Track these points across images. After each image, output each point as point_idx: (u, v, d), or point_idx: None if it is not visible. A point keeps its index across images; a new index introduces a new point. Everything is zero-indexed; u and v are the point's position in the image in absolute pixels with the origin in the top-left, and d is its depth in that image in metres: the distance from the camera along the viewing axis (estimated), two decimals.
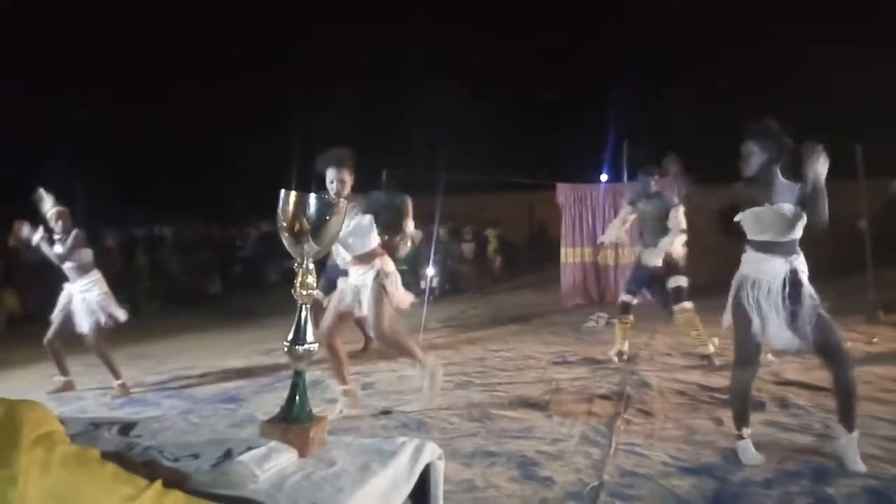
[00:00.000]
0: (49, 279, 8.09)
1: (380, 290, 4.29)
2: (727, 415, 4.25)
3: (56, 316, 5.66)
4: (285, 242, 1.44)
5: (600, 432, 4.04)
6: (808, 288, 3.39)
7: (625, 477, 3.31)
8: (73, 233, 5.58)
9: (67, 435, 1.48)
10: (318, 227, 1.41)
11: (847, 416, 3.38)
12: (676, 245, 5.88)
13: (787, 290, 3.37)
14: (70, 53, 15.92)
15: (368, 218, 4.33)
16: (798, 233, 3.43)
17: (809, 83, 14.14)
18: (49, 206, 5.63)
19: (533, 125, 20.46)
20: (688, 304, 5.90)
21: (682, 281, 5.95)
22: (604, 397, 4.87)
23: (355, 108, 16.86)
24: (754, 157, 3.43)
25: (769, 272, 3.42)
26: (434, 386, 4.58)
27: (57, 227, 5.60)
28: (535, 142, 19.39)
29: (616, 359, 6.06)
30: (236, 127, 18.11)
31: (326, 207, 1.42)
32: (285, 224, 1.41)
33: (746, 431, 3.55)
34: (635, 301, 6.13)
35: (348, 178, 4.19)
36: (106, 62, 16.76)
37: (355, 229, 4.28)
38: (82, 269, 5.62)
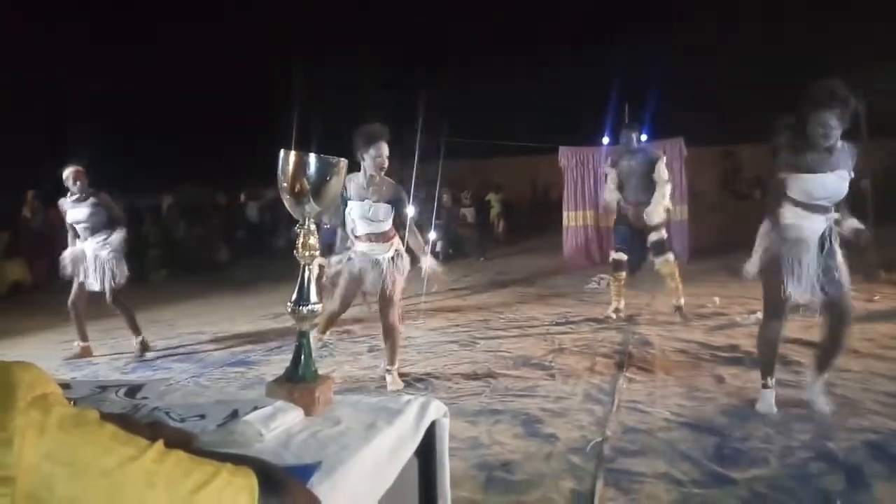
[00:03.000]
0: (57, 248, 8.13)
1: (395, 277, 4.25)
2: (728, 372, 4.32)
3: (76, 277, 5.68)
4: (286, 203, 1.44)
5: (603, 390, 4.08)
6: (838, 242, 3.42)
7: (627, 433, 3.35)
8: (100, 195, 5.66)
9: (74, 398, 1.50)
10: (319, 187, 1.40)
11: (826, 365, 3.54)
12: (667, 198, 5.97)
13: (826, 245, 3.38)
14: (72, 23, 15.70)
15: (385, 208, 4.22)
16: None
17: (811, 40, 13.90)
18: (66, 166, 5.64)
19: (535, 88, 20.22)
20: (670, 256, 6.10)
21: (662, 233, 6.09)
22: (606, 356, 4.91)
23: (357, 72, 16.67)
24: (834, 129, 3.29)
25: (810, 229, 3.41)
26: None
27: (75, 187, 5.59)
28: (537, 105, 19.18)
29: (613, 315, 6.16)
30: (241, 94, 17.94)
31: (327, 167, 1.41)
32: (286, 185, 1.41)
33: (771, 381, 3.64)
34: (626, 258, 6.21)
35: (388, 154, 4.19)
36: (109, 31, 16.53)
37: (376, 213, 4.19)
38: (96, 228, 5.64)
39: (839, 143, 3.37)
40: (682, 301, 6.10)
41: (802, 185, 3.41)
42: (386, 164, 4.18)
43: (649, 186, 5.97)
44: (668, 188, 5.98)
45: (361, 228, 4.28)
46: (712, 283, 7.95)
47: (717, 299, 6.71)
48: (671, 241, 10.43)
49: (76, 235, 5.67)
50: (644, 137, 11.61)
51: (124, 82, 14.92)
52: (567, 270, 10.30)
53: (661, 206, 5.92)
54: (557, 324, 6.20)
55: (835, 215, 3.44)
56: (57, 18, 15.44)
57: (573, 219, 11.07)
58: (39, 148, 13.84)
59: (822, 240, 3.39)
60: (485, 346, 5.42)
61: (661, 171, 5.96)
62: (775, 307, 3.58)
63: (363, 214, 4.21)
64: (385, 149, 4.14)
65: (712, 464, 2.95)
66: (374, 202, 4.19)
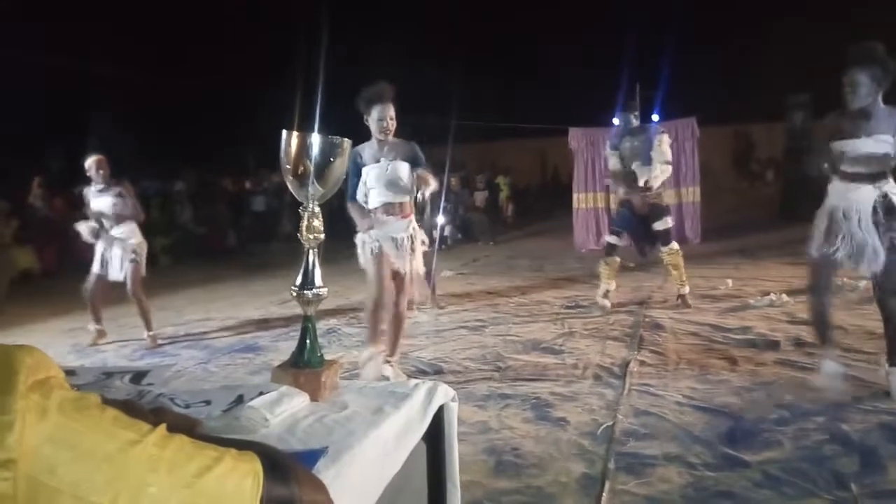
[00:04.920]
0: (65, 236, 8.14)
1: (413, 259, 4.00)
2: (741, 354, 4.28)
3: (95, 265, 5.66)
4: (289, 185, 1.41)
5: (614, 374, 4.05)
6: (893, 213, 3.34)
7: (639, 417, 3.33)
8: (124, 183, 5.63)
9: (80, 384, 1.49)
10: (323, 168, 1.38)
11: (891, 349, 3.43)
12: (658, 173, 5.71)
13: (879, 214, 3.31)
14: (75, 8, 15.66)
15: (406, 166, 3.96)
16: (892, 162, 3.35)
17: (820, 14, 13.64)
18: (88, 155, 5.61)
19: (544, 70, 20.05)
20: (675, 246, 5.92)
21: (669, 222, 5.92)
22: (617, 339, 4.88)
23: (363, 54, 16.58)
24: (863, 87, 3.22)
25: (858, 200, 3.35)
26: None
27: (97, 176, 5.55)
28: (546, 86, 19.02)
29: (602, 300, 5.94)
30: (246, 79, 17.90)
31: (330, 148, 1.38)
32: (289, 167, 1.38)
33: (829, 352, 3.62)
34: (621, 242, 6.04)
35: (394, 115, 3.90)
36: (114, 15, 16.49)
37: (395, 171, 3.93)
38: (119, 218, 5.61)
39: (879, 107, 3.29)
40: (687, 290, 5.94)
41: (839, 150, 3.35)
42: (392, 127, 3.89)
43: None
44: (667, 169, 5.77)
45: (377, 198, 3.96)
46: (725, 264, 7.89)
47: (729, 281, 6.65)
48: (684, 225, 10.39)
49: (101, 226, 5.62)
50: (655, 118, 11.43)
51: (129, 68, 14.88)
52: (577, 253, 10.25)
53: (658, 175, 5.69)
54: (568, 307, 6.17)
55: (887, 184, 3.35)
56: (60, 4, 15.41)
57: (583, 201, 11.00)
58: (45, 135, 13.88)
59: (874, 211, 3.32)
60: (494, 331, 5.40)
61: (661, 150, 5.71)
62: (820, 280, 3.55)
63: (380, 176, 3.92)
64: (389, 110, 3.86)
65: (725, 447, 2.92)
66: (390, 160, 3.92)
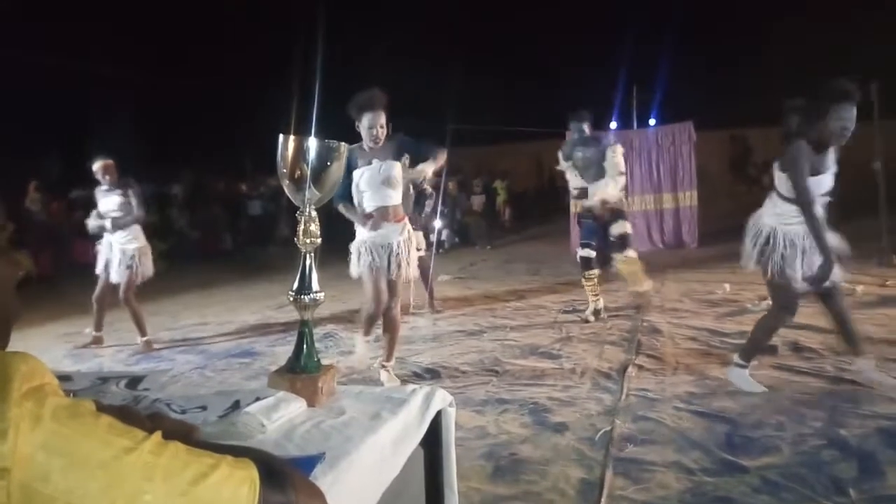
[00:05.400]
0: (61, 240, 8.11)
1: (405, 263, 4.00)
2: None
3: (101, 269, 5.67)
4: (286, 189, 1.41)
5: (612, 379, 4.05)
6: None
7: (637, 422, 3.32)
8: (133, 187, 5.63)
9: (75, 389, 1.48)
10: (319, 172, 1.37)
11: (850, 342, 3.57)
12: (612, 188, 5.56)
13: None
14: (73, 9, 15.65)
15: (398, 166, 3.95)
16: None
17: (818, 16, 13.69)
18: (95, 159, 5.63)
19: (541, 73, 20.08)
20: (632, 253, 5.70)
21: (626, 227, 5.70)
22: (615, 344, 4.87)
23: (361, 57, 16.60)
24: (853, 127, 3.25)
25: (800, 221, 3.40)
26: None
27: (105, 179, 5.58)
28: (543, 90, 19.05)
29: (593, 318, 5.71)
30: (246, 79, 17.88)
31: (327, 152, 1.38)
32: (285, 171, 1.38)
33: (753, 364, 3.77)
34: (595, 254, 5.79)
35: (385, 122, 3.87)
36: (114, 15, 16.47)
37: (388, 172, 3.92)
38: (126, 221, 5.61)
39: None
40: (644, 287, 5.82)
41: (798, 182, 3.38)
42: (381, 136, 3.85)
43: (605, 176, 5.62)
44: (620, 180, 5.59)
45: (370, 202, 3.95)
46: (722, 269, 7.89)
47: (727, 286, 6.66)
48: (681, 229, 10.37)
49: (103, 228, 5.63)
50: (653, 122, 11.39)
51: (129, 68, 14.87)
52: (574, 257, 10.25)
53: (604, 192, 5.53)
54: (565, 312, 6.17)
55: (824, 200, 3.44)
56: (60, 4, 15.39)
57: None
58: (44, 136, 13.84)
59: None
60: (491, 335, 5.40)
61: (614, 161, 5.54)
62: (788, 302, 3.57)
63: (373, 178, 3.90)
64: (380, 118, 3.83)
65: (723, 452, 2.91)
66: (382, 160, 3.90)
